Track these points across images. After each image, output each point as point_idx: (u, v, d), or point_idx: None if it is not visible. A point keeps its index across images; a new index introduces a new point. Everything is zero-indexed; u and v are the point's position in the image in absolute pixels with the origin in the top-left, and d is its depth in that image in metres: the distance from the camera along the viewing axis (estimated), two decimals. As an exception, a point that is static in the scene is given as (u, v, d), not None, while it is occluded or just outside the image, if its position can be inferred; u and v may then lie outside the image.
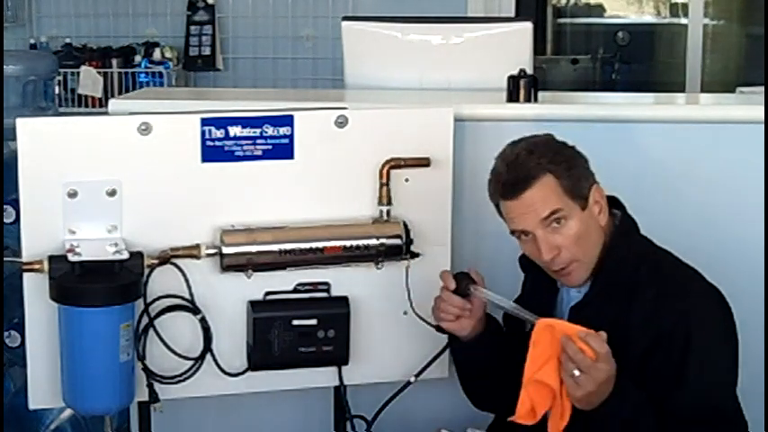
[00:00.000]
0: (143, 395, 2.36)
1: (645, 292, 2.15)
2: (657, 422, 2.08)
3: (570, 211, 2.14)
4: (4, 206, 2.71)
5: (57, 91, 3.88)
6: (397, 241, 2.41)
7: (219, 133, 2.35)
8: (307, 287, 2.42)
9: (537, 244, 2.15)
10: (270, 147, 2.38)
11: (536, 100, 2.73)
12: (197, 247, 2.34)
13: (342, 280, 2.43)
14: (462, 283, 2.28)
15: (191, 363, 2.37)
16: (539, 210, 2.13)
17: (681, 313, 2.11)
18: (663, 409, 2.09)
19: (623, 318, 2.14)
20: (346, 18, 3.32)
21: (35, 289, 2.28)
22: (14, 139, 2.27)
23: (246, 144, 2.36)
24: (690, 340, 2.09)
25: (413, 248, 2.42)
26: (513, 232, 2.19)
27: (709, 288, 2.18)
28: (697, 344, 2.10)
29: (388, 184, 2.42)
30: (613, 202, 2.25)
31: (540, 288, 2.32)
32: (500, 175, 2.17)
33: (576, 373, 1.99)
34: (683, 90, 5.26)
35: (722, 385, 2.15)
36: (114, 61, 5.12)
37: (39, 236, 2.27)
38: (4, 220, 2.72)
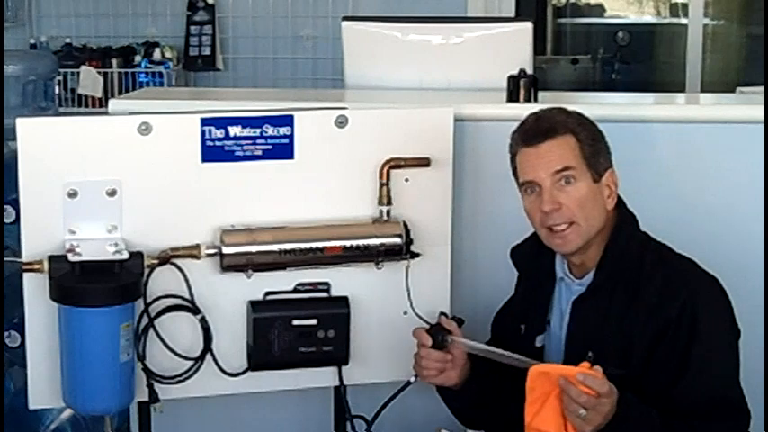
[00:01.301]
0: (143, 395, 2.36)
1: (649, 281, 2.17)
2: (661, 419, 2.09)
3: (582, 175, 2.17)
4: (4, 206, 2.71)
5: (57, 91, 3.88)
6: (397, 241, 2.41)
7: (219, 133, 2.35)
8: (307, 287, 2.42)
9: (541, 197, 2.17)
10: (270, 147, 2.38)
11: (536, 100, 2.73)
12: (197, 247, 2.34)
13: (342, 280, 2.43)
14: (438, 336, 2.29)
15: (191, 363, 2.37)
16: (553, 161, 2.16)
17: (685, 301, 2.13)
18: (669, 396, 2.11)
19: (628, 308, 2.16)
20: (346, 18, 3.32)
21: (35, 289, 2.28)
22: (14, 139, 2.27)
23: (246, 144, 2.36)
24: (695, 328, 2.12)
25: (413, 248, 2.42)
26: (521, 186, 2.22)
27: (710, 277, 2.20)
28: (702, 332, 2.12)
29: (388, 184, 2.41)
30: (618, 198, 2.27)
31: (535, 284, 2.32)
32: (527, 122, 2.23)
33: (583, 412, 2.01)
34: (683, 90, 5.26)
35: (727, 373, 2.17)
36: (114, 61, 5.12)
37: (39, 236, 2.27)
38: (4, 220, 2.72)
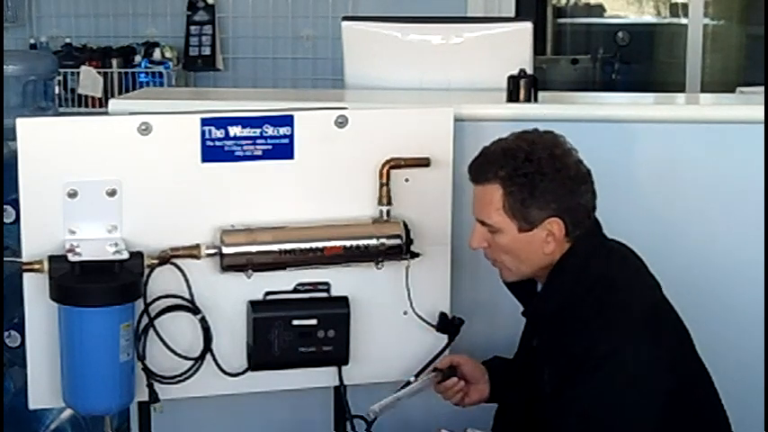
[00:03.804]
0: (143, 395, 2.36)
1: (581, 313, 2.11)
2: None
3: (503, 227, 2.14)
4: (4, 206, 2.71)
5: (57, 91, 3.87)
6: (397, 241, 2.41)
7: (219, 133, 2.35)
8: (307, 287, 2.42)
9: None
10: (270, 147, 2.38)
11: (536, 100, 2.73)
12: (197, 247, 2.34)
13: (342, 280, 2.43)
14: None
15: (191, 363, 2.37)
16: (477, 208, 2.18)
17: (599, 338, 2.06)
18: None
19: (562, 335, 2.13)
20: (346, 18, 3.32)
21: (35, 289, 2.28)
22: (14, 139, 2.27)
23: (246, 144, 2.36)
24: (577, 377, 2.06)
25: (413, 248, 2.42)
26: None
27: (648, 319, 2.10)
28: (584, 382, 2.05)
29: (388, 184, 2.41)
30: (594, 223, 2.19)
31: (531, 287, 2.33)
32: (477, 154, 2.20)
33: None
34: (683, 90, 5.26)
35: (603, 422, 2.07)
36: (114, 61, 5.12)
37: (39, 236, 2.27)
38: (4, 220, 2.72)
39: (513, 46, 3.17)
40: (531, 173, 2.10)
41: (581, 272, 2.13)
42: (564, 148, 2.14)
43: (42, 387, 2.34)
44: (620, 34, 6.59)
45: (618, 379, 2.04)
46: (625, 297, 2.12)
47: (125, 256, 2.24)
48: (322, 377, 2.47)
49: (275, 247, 2.36)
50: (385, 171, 2.41)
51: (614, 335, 2.06)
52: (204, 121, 2.34)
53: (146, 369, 2.34)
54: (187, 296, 2.35)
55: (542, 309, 2.20)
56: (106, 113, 2.64)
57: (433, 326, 2.46)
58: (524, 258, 2.16)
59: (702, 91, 5.18)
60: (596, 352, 2.04)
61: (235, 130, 2.35)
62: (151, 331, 2.33)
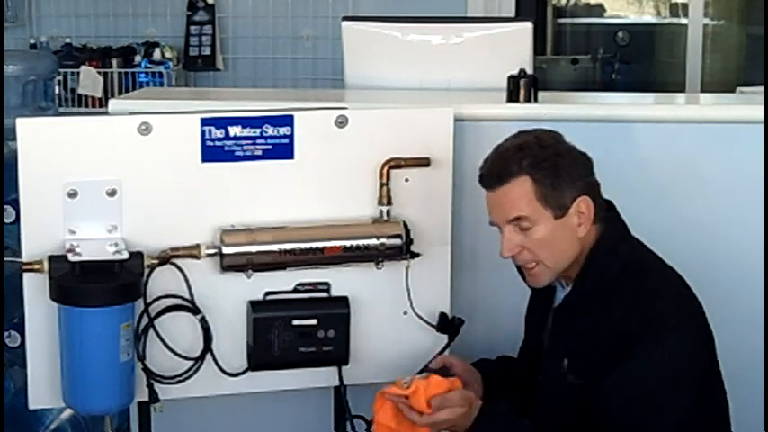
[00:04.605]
0: (143, 395, 2.36)
1: (620, 296, 2.12)
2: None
3: (539, 218, 2.13)
4: (4, 206, 2.71)
5: (57, 91, 3.88)
6: (397, 241, 2.41)
7: (219, 133, 2.35)
8: (307, 287, 2.42)
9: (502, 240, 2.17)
10: (270, 147, 2.38)
11: (536, 100, 2.73)
12: (197, 247, 2.34)
13: (342, 280, 2.43)
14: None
15: (191, 363, 2.37)
16: (507, 210, 2.14)
17: (643, 322, 2.07)
18: (589, 399, 2.10)
19: (599, 324, 2.13)
20: (346, 18, 3.32)
21: (35, 289, 2.28)
22: (14, 139, 2.27)
23: (246, 144, 2.36)
24: (633, 348, 2.06)
25: (413, 248, 2.42)
26: (491, 223, 2.21)
27: (686, 306, 2.13)
28: (641, 353, 2.06)
29: (388, 184, 2.41)
30: (608, 205, 2.23)
31: (538, 289, 2.33)
32: (485, 163, 2.19)
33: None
34: (683, 90, 5.26)
35: (644, 403, 2.08)
36: (114, 61, 5.12)
37: (39, 236, 2.27)
38: (4, 220, 2.72)
39: (513, 46, 3.17)
40: (551, 155, 2.13)
41: (611, 256, 2.16)
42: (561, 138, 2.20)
43: (42, 387, 2.34)
44: (620, 34, 6.59)
45: (661, 361, 2.07)
46: (658, 279, 2.15)
47: (125, 256, 2.24)
48: (322, 377, 2.46)
49: (275, 247, 2.36)
50: (385, 171, 2.41)
51: (652, 317, 2.08)
52: (204, 121, 2.34)
53: (146, 369, 2.34)
54: (187, 296, 2.35)
55: (577, 298, 2.19)
56: (106, 113, 2.65)
57: (433, 326, 2.46)
58: (564, 248, 2.15)
59: (702, 91, 5.18)
60: (638, 336, 2.06)
61: (235, 130, 2.35)
62: (151, 331, 2.33)
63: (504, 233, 2.15)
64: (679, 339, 2.08)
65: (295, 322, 2.37)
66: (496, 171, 2.15)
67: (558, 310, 2.24)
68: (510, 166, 2.13)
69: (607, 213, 2.20)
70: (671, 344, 2.07)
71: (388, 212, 2.42)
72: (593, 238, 2.17)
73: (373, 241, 2.40)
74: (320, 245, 2.38)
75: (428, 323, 2.43)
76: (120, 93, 4.90)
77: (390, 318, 2.48)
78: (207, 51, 5.26)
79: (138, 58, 5.15)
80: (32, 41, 5.21)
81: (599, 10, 6.82)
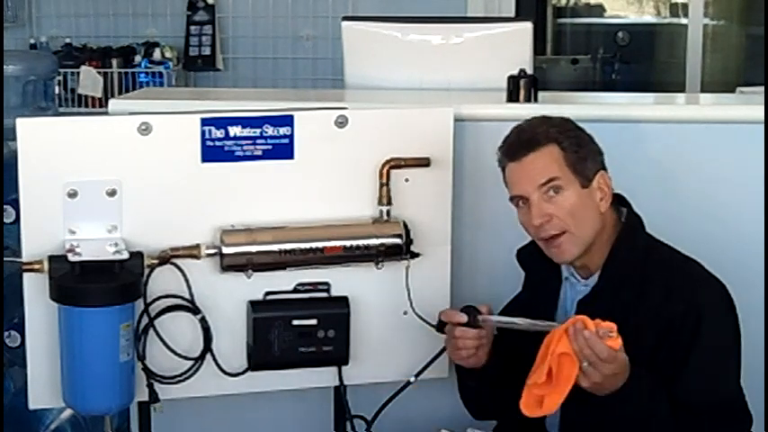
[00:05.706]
0: (143, 395, 2.36)
1: (654, 282, 2.18)
2: (671, 409, 2.12)
3: (568, 183, 2.17)
4: (4, 206, 2.71)
5: (57, 91, 3.88)
6: (397, 241, 2.41)
7: (219, 133, 2.35)
8: (307, 287, 2.42)
9: (531, 211, 2.18)
10: (270, 147, 2.38)
11: (536, 100, 2.73)
12: (197, 247, 2.34)
13: (342, 280, 2.43)
14: (471, 315, 2.27)
15: (191, 363, 2.37)
16: (537, 175, 2.17)
17: (690, 302, 2.14)
18: (671, 393, 2.12)
19: (632, 310, 2.16)
20: (346, 18, 3.32)
21: (35, 289, 2.28)
22: (14, 139, 2.27)
23: (246, 144, 2.36)
24: (699, 329, 2.13)
25: (413, 248, 2.42)
26: (512, 199, 2.23)
27: (716, 280, 2.21)
28: (705, 333, 2.13)
29: (388, 184, 2.42)
30: (620, 200, 2.27)
31: (541, 284, 2.33)
32: (510, 136, 2.24)
33: (585, 364, 2.03)
34: (683, 90, 5.26)
35: (728, 374, 2.18)
36: (114, 61, 5.12)
37: (39, 236, 2.27)
38: (4, 220, 2.72)
39: (513, 46, 3.17)
40: (574, 128, 2.22)
41: (636, 242, 2.23)
42: None
43: (42, 387, 2.34)
44: (620, 34, 6.60)
45: (723, 327, 2.18)
46: (688, 264, 2.23)
47: (125, 256, 2.24)
48: (322, 377, 2.47)
49: (275, 247, 2.36)
50: (385, 171, 2.41)
51: (698, 290, 2.17)
52: (204, 121, 2.34)
53: (146, 369, 2.34)
54: (187, 296, 2.35)
55: (608, 283, 2.21)
56: (106, 113, 2.65)
57: (433, 326, 2.45)
58: (590, 219, 2.18)
59: (702, 91, 5.18)
60: (692, 310, 2.13)
61: (235, 130, 2.35)
62: (151, 331, 2.33)
63: (533, 201, 2.17)
64: (722, 300, 2.19)
65: (295, 322, 2.37)
66: (526, 138, 2.20)
67: (584, 301, 2.24)
68: (538, 134, 2.19)
69: (622, 203, 2.27)
70: (724, 316, 2.18)
71: (388, 212, 2.42)
72: (612, 222, 2.23)
73: (373, 241, 2.40)
74: (320, 245, 2.38)
75: (428, 323, 2.42)
76: (120, 93, 4.91)
77: (390, 318, 2.48)
78: (207, 51, 5.26)
79: (138, 58, 5.15)
80: (32, 41, 5.21)
81: (599, 10, 6.83)
